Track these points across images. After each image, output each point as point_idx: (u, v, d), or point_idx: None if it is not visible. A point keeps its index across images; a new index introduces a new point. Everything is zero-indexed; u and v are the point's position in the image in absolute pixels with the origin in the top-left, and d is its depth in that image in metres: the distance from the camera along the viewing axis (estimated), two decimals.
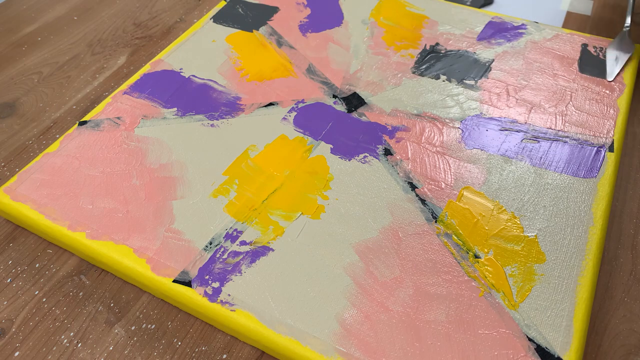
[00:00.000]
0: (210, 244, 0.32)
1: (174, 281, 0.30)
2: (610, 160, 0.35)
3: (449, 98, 0.40)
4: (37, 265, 0.33)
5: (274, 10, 0.49)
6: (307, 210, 0.33)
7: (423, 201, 0.34)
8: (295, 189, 0.34)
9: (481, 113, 0.39)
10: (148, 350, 0.29)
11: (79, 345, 0.30)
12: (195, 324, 0.30)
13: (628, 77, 0.41)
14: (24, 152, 0.40)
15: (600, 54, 0.43)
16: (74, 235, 0.32)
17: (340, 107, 0.40)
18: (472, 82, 0.41)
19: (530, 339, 0.27)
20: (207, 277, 0.30)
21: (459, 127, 0.38)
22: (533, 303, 0.29)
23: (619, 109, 0.38)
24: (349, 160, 0.36)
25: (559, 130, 0.37)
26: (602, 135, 0.37)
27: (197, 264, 0.31)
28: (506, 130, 0.37)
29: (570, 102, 0.39)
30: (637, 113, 0.41)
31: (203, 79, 0.42)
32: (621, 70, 0.41)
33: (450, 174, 0.35)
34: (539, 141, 0.37)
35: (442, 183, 0.34)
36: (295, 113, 0.39)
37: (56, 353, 0.29)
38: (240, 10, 0.49)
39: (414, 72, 0.42)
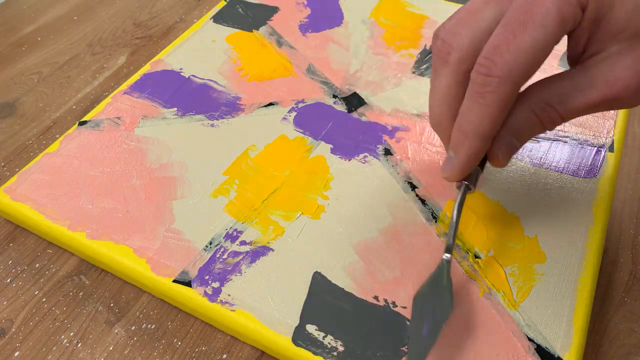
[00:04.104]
0: (210, 244, 0.32)
1: (174, 281, 0.30)
2: (610, 160, 0.35)
3: None
4: (37, 265, 0.33)
5: (274, 10, 0.49)
6: (307, 210, 0.33)
7: (423, 201, 0.34)
8: (295, 189, 0.34)
9: None
10: (148, 350, 0.29)
11: (79, 345, 0.30)
12: (195, 324, 0.30)
13: None
14: (24, 152, 0.40)
15: None
16: (74, 235, 0.32)
17: (340, 107, 0.40)
18: None
19: (530, 339, 0.27)
20: (207, 277, 0.30)
21: None
22: (533, 303, 0.29)
23: None
24: (349, 160, 0.36)
25: (559, 130, 0.37)
26: (602, 135, 0.37)
27: (197, 264, 0.31)
28: None
29: None
30: (637, 113, 0.41)
31: (203, 79, 0.42)
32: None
33: None
34: (539, 141, 0.37)
35: (442, 183, 0.34)
36: (295, 113, 0.39)
37: (56, 353, 0.29)
38: (240, 10, 0.49)
39: (414, 72, 0.42)
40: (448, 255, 0.28)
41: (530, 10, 0.22)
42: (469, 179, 0.27)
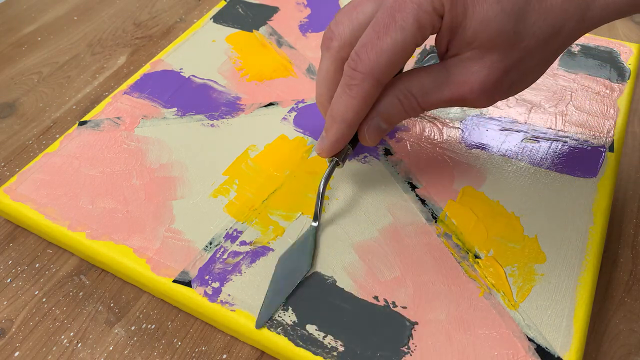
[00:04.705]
0: (210, 244, 0.32)
1: (174, 281, 0.30)
2: (610, 160, 0.35)
3: None
4: (37, 265, 0.33)
5: (274, 10, 0.49)
6: (307, 210, 0.33)
7: (423, 201, 0.34)
8: (295, 189, 0.34)
9: (481, 113, 0.39)
10: (148, 350, 0.29)
11: (79, 345, 0.30)
12: (195, 324, 0.30)
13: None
14: (24, 152, 0.40)
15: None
16: (74, 235, 0.32)
17: None
18: None
19: (530, 339, 0.27)
20: (207, 277, 0.30)
21: (459, 127, 0.38)
22: (533, 303, 0.29)
23: (619, 109, 0.38)
24: (349, 160, 0.36)
25: (559, 130, 0.37)
26: (602, 135, 0.37)
27: (197, 264, 0.31)
28: (506, 130, 0.38)
29: (570, 102, 0.39)
30: (637, 113, 0.41)
31: (203, 79, 0.42)
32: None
33: (450, 174, 0.35)
34: (539, 141, 0.37)
35: (442, 183, 0.34)
36: (295, 113, 0.39)
37: (56, 353, 0.29)
38: (240, 10, 0.49)
39: None
40: (314, 223, 0.31)
41: (393, 14, 0.25)
42: (338, 156, 0.31)
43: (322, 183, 0.31)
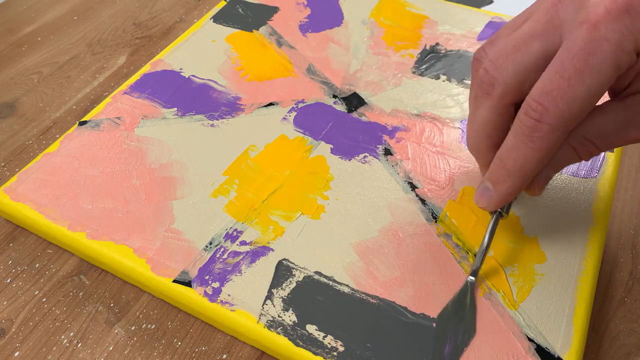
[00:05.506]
0: (210, 244, 0.32)
1: (174, 281, 0.30)
2: (610, 160, 0.35)
3: (449, 98, 0.40)
4: (37, 265, 0.33)
5: (274, 10, 0.49)
6: (307, 210, 0.33)
7: (423, 201, 0.34)
8: (295, 189, 0.34)
9: None
10: (148, 350, 0.29)
11: (79, 345, 0.30)
12: (195, 324, 0.30)
13: None
14: (24, 152, 0.40)
15: None
16: (74, 235, 0.32)
17: (340, 107, 0.40)
18: None
19: (530, 339, 0.27)
20: (207, 277, 0.30)
21: (459, 127, 0.38)
22: (533, 303, 0.29)
23: None
24: (349, 160, 0.36)
25: None
26: None
27: (197, 264, 0.31)
28: None
29: None
30: None
31: (203, 79, 0.42)
32: None
33: (450, 174, 0.35)
34: None
35: (442, 183, 0.34)
36: (295, 113, 0.39)
37: (56, 353, 0.29)
38: (240, 10, 0.49)
39: (414, 72, 0.42)
40: (472, 278, 0.29)
41: (585, 58, 0.22)
42: (502, 207, 0.29)
43: (487, 238, 0.29)
